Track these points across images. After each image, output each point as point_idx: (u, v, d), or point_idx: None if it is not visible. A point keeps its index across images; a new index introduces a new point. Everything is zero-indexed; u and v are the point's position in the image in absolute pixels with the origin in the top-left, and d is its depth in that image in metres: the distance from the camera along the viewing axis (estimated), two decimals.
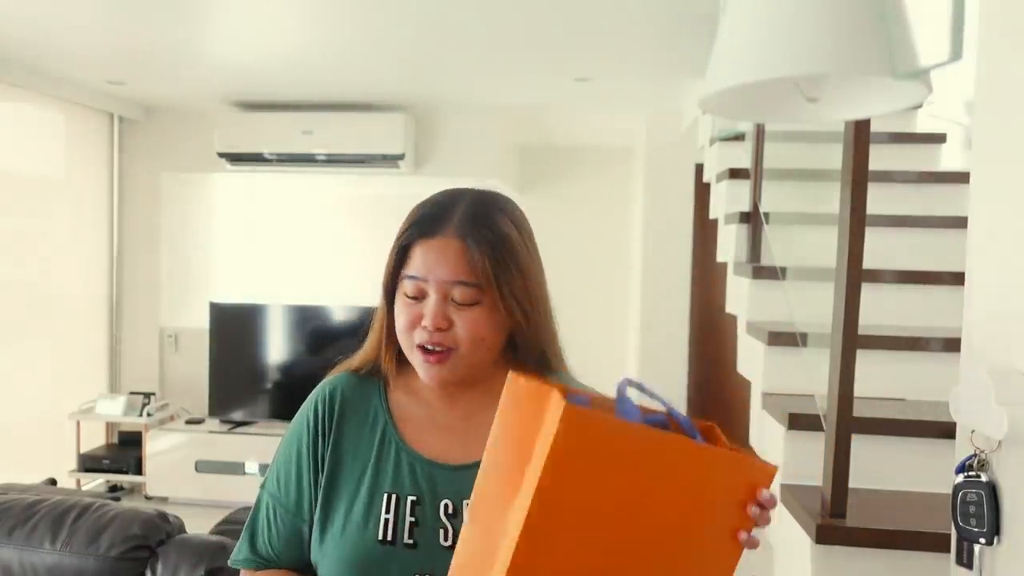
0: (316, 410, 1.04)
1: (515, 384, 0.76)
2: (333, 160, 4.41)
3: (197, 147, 4.63)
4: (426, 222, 0.98)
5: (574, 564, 0.71)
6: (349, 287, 4.46)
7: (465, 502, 0.95)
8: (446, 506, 0.97)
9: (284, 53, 3.48)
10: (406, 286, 0.97)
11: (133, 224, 4.82)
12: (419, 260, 0.96)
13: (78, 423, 4.39)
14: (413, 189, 5.13)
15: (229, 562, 1.06)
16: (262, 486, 1.06)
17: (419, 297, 0.96)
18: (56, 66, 3.77)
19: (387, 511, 0.96)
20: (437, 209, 0.99)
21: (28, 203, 4.12)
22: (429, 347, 0.96)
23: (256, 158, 4.44)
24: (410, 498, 0.97)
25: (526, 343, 1.01)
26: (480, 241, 0.95)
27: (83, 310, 4.60)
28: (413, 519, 0.96)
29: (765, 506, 0.77)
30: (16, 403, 3.98)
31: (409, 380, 1.04)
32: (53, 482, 3.60)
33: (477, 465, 0.94)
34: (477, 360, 0.98)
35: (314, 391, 1.07)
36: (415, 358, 0.98)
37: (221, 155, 4.44)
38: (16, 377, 3.99)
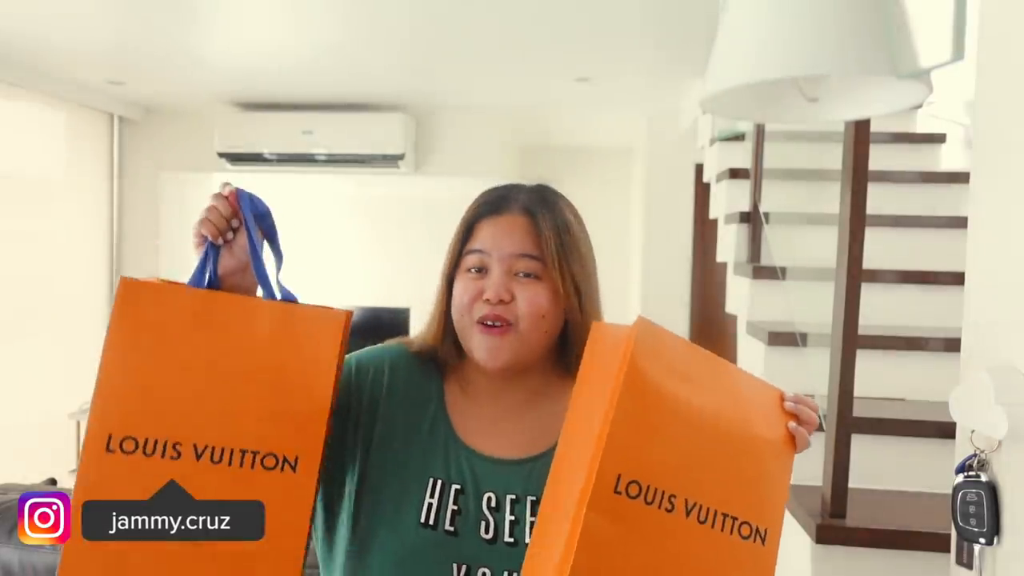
0: (363, 365, 1.03)
1: (597, 328, 0.87)
2: (333, 160, 4.41)
3: (197, 147, 4.63)
4: (492, 201, 1.01)
5: (663, 457, 0.79)
6: (349, 287, 4.46)
7: (509, 497, 0.96)
8: (489, 499, 0.96)
9: (284, 53, 3.48)
10: (469, 260, 0.98)
11: (133, 224, 4.82)
12: (485, 234, 0.98)
13: (78, 423, 4.39)
14: (413, 189, 5.08)
15: None
16: None
17: (482, 271, 0.98)
18: (56, 66, 3.77)
19: (431, 495, 0.96)
20: (502, 191, 1.03)
21: (28, 203, 4.12)
22: (489, 322, 0.96)
23: (256, 158, 4.44)
24: (454, 486, 0.96)
25: (576, 333, 1.00)
26: (547, 219, 0.98)
27: (83, 310, 4.59)
28: (456, 507, 0.95)
29: (797, 401, 0.89)
30: (16, 403, 3.97)
31: (464, 373, 1.04)
32: (53, 482, 3.59)
33: (522, 462, 0.99)
34: (535, 339, 0.97)
35: (367, 350, 1.06)
36: (473, 335, 0.97)
37: (221, 155, 4.45)
38: (16, 377, 3.99)
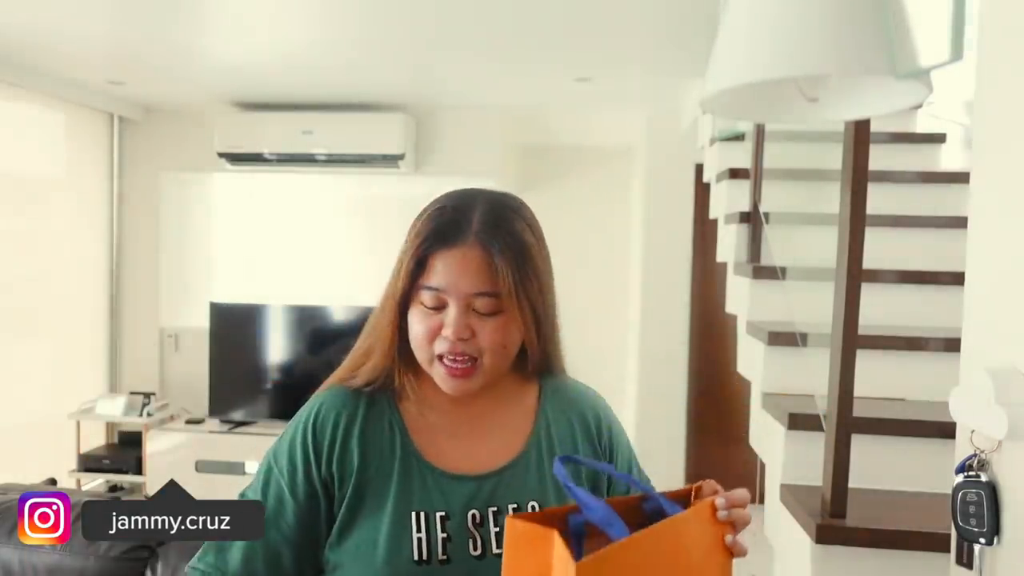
0: (311, 435, 0.98)
1: (514, 528, 0.78)
2: (333, 160, 4.41)
3: (197, 147, 4.63)
4: (444, 230, 0.95)
5: None
6: (349, 287, 4.46)
7: (491, 510, 0.97)
8: (473, 516, 0.96)
9: (284, 53, 3.48)
10: (424, 297, 0.95)
11: (133, 224, 4.82)
12: (439, 270, 0.94)
13: (78, 423, 4.39)
14: (413, 189, 5.10)
15: (187, 568, 0.98)
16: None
17: (438, 308, 0.95)
18: (56, 66, 3.77)
19: (419, 530, 0.94)
20: (454, 215, 0.96)
21: (28, 203, 4.12)
22: (451, 358, 0.94)
23: (256, 158, 4.44)
24: (439, 514, 0.96)
25: (533, 347, 1.01)
26: (503, 250, 0.93)
27: (83, 310, 4.59)
28: (445, 535, 0.95)
29: (726, 507, 0.84)
30: (16, 403, 3.97)
31: (422, 392, 1.02)
32: (53, 482, 3.60)
33: (496, 472, 0.99)
34: (498, 368, 0.98)
35: (311, 409, 1.01)
36: (436, 370, 0.97)
37: (221, 155, 4.44)
38: (16, 377, 3.99)
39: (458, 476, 0.98)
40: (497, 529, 0.96)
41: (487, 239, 0.93)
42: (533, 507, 0.97)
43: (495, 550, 0.96)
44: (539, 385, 1.07)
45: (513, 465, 1.00)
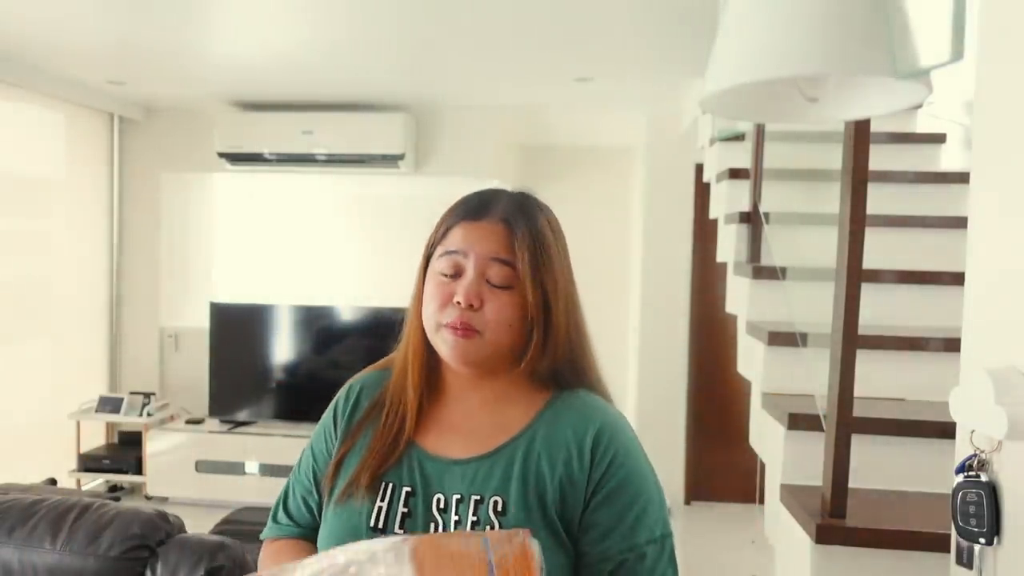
0: (336, 404, 1.10)
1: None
2: (333, 160, 4.41)
3: (197, 147, 4.63)
4: (470, 207, 1.01)
5: None
6: (348, 287, 4.46)
7: (456, 497, 0.96)
8: (438, 500, 0.97)
9: (284, 53, 3.48)
10: (442, 264, 0.99)
11: (133, 224, 4.82)
12: (459, 236, 0.99)
13: (78, 423, 4.39)
14: (413, 189, 5.09)
15: (261, 537, 1.12)
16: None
17: (455, 275, 0.98)
18: (56, 66, 3.77)
19: (382, 499, 0.97)
20: (484, 196, 1.03)
21: (28, 203, 4.12)
22: (456, 326, 0.97)
23: (256, 158, 4.45)
24: (405, 488, 0.98)
25: (540, 343, 0.99)
26: (524, 229, 0.98)
27: (83, 310, 4.60)
28: (405, 509, 0.97)
29: None
30: (16, 403, 3.98)
31: (433, 381, 1.06)
32: (53, 482, 3.60)
33: (468, 461, 0.99)
34: (503, 344, 0.98)
35: (344, 386, 1.13)
36: (441, 337, 0.98)
37: (221, 155, 4.45)
38: (16, 377, 3.99)
39: (432, 456, 1.00)
40: (456, 517, 0.95)
41: (509, 216, 0.99)
42: (496, 502, 0.94)
43: None
44: (551, 394, 1.03)
45: (485, 458, 0.98)
